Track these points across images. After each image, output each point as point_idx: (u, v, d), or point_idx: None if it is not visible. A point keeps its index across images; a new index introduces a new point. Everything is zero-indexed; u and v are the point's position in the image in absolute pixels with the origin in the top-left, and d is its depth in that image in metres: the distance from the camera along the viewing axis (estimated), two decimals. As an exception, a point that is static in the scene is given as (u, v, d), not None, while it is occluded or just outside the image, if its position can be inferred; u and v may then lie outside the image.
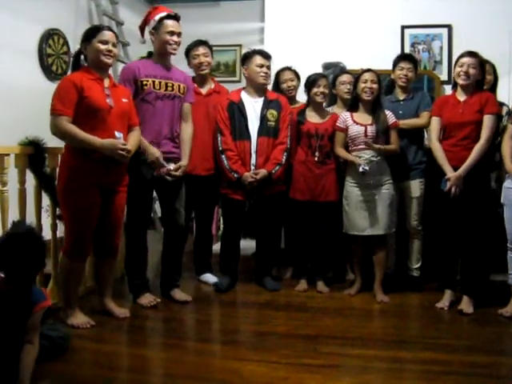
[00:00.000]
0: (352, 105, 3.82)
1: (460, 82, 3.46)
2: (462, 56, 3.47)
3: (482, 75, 3.47)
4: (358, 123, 3.70)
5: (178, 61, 3.67)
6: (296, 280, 3.99)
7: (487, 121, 3.38)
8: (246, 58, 3.88)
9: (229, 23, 6.34)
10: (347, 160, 3.73)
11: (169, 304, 3.53)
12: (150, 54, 3.55)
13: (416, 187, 3.91)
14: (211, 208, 4.16)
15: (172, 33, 3.39)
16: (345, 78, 4.13)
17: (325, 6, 5.44)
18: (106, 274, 3.26)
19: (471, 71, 3.41)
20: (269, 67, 3.84)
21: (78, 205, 2.98)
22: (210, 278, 4.04)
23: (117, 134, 3.01)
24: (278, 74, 4.21)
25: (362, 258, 3.84)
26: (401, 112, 3.90)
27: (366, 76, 3.69)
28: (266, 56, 3.84)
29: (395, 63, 3.99)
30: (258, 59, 3.81)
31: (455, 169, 3.41)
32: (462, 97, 3.48)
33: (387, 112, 3.74)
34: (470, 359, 2.76)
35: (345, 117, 3.77)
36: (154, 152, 3.34)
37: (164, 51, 3.43)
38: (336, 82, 4.18)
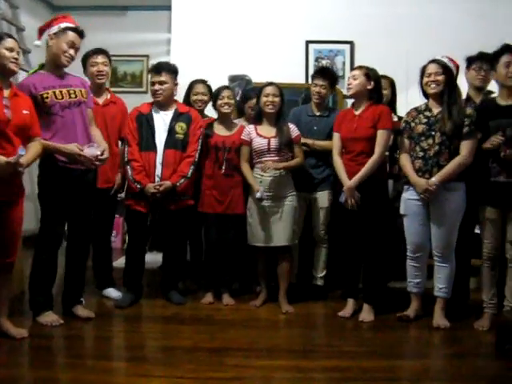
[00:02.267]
0: (256, 118, 3.87)
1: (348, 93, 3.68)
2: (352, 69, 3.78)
3: (376, 89, 3.60)
4: (261, 136, 3.76)
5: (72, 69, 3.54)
6: (203, 293, 3.96)
7: (380, 137, 3.50)
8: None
9: (136, 33, 6.24)
10: (247, 181, 3.78)
11: (71, 321, 3.38)
12: (42, 66, 3.41)
13: (324, 198, 4.01)
14: (109, 221, 4.06)
15: (72, 44, 3.29)
16: (254, 101, 4.04)
17: (232, 19, 5.50)
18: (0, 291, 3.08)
19: (353, 81, 3.58)
20: (161, 82, 3.76)
21: None
22: (113, 292, 3.94)
23: (20, 150, 2.85)
24: (191, 85, 4.18)
25: (266, 268, 3.88)
26: (315, 128, 4.00)
27: (268, 90, 3.75)
28: (158, 71, 3.78)
29: (312, 78, 4.10)
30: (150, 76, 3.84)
31: (352, 183, 3.52)
32: (357, 110, 3.62)
33: (290, 125, 3.81)
34: (370, 364, 2.86)
35: (249, 130, 3.81)
36: (71, 147, 3.22)
37: (58, 60, 3.30)
38: (246, 103, 4.19)
